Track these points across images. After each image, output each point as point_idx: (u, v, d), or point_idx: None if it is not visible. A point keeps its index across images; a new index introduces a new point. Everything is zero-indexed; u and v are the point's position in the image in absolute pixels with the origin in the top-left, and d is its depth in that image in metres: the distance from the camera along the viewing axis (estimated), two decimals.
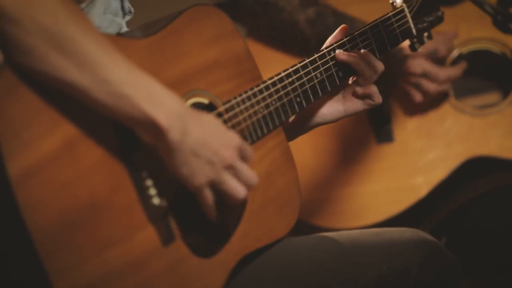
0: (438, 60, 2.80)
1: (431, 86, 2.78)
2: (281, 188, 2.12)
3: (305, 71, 2.13)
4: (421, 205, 2.78)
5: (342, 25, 2.15)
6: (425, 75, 2.76)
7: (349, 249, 2.12)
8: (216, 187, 1.88)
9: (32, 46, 1.73)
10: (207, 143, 1.84)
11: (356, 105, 2.21)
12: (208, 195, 1.87)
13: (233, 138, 1.88)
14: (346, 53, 2.17)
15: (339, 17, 2.73)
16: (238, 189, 1.88)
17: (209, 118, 1.87)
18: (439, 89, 2.79)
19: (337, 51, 2.16)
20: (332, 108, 2.21)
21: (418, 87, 2.78)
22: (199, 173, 1.84)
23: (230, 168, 1.87)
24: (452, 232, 2.77)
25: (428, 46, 2.70)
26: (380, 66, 2.17)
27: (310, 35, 2.75)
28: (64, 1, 1.77)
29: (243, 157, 1.89)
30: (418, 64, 2.75)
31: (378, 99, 2.19)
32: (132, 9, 2.12)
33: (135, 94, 1.78)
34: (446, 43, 2.77)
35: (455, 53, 2.87)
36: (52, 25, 1.74)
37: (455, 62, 2.86)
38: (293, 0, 2.80)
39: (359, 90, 2.18)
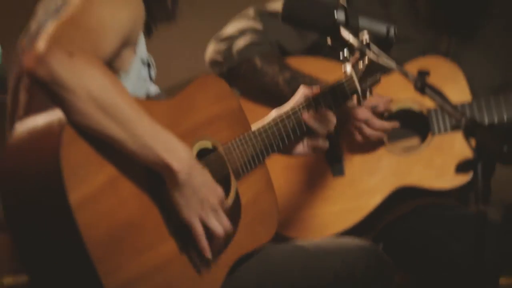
0: (378, 114, 2.99)
1: (368, 131, 2.92)
2: (265, 207, 2.33)
3: (282, 123, 2.35)
4: (365, 221, 2.96)
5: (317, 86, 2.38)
6: (366, 121, 2.92)
7: (313, 253, 2.29)
8: (203, 222, 2.03)
9: (82, 108, 1.87)
10: (203, 188, 2.01)
11: (307, 149, 2.40)
12: (199, 226, 2.02)
13: (219, 191, 2.05)
14: (309, 117, 2.34)
15: (307, 78, 2.91)
16: (218, 227, 2.05)
17: (206, 172, 2.04)
18: (375, 135, 2.92)
19: (303, 114, 2.35)
20: (295, 148, 2.42)
21: (360, 131, 2.94)
22: (192, 207, 2.01)
23: (214, 211, 2.04)
24: (387, 240, 2.95)
25: (372, 101, 2.88)
26: (332, 121, 2.34)
27: (287, 92, 2.89)
28: (107, 73, 1.91)
29: (222, 206, 2.06)
30: (362, 112, 2.92)
31: (324, 146, 2.38)
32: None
33: (155, 145, 1.94)
34: (384, 103, 2.99)
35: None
36: (99, 93, 1.88)
37: (389, 118, 3.01)
38: (274, 66, 2.97)
39: (308, 142, 2.38)
